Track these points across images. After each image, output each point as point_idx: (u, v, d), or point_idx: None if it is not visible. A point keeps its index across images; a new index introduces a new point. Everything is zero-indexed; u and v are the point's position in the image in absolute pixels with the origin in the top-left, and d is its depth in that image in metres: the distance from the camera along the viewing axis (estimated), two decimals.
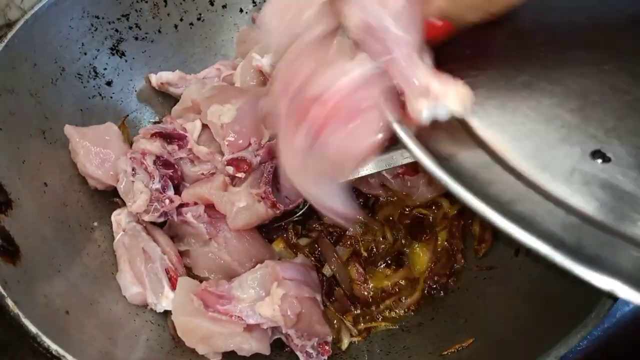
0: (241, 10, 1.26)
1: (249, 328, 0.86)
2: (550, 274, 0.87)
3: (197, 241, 0.99)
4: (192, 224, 0.98)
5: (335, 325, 0.97)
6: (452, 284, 1.01)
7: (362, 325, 0.98)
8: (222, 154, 0.99)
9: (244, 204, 0.95)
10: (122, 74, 1.15)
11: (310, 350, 0.88)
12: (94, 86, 1.11)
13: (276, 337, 0.92)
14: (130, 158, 0.98)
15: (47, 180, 0.96)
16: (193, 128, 1.02)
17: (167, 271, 0.94)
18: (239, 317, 0.85)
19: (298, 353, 0.89)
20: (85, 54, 1.09)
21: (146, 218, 0.97)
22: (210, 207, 0.99)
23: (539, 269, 0.90)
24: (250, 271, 0.92)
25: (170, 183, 1.00)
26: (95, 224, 1.02)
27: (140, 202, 0.95)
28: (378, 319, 0.99)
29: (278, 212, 0.97)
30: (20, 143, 0.93)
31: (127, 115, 1.16)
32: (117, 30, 1.13)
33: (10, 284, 0.75)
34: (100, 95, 1.12)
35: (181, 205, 0.99)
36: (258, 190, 0.96)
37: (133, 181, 0.96)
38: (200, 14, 1.23)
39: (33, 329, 0.71)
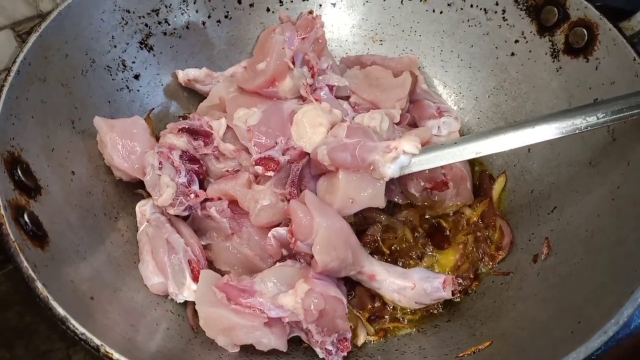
0: (268, 10, 1.27)
1: (269, 323, 0.87)
2: (568, 280, 0.88)
3: (219, 235, 1.01)
4: (216, 219, 0.99)
5: (351, 325, 0.97)
6: (473, 288, 1.02)
7: (378, 325, 0.99)
8: (248, 151, 1.00)
9: (267, 202, 0.96)
10: (149, 68, 1.17)
11: (330, 347, 0.89)
12: (122, 79, 1.13)
13: (294, 334, 0.93)
14: (158, 152, 0.99)
15: (74, 169, 0.98)
16: (219, 126, 1.04)
17: (189, 262, 0.96)
18: (260, 310, 0.86)
19: (317, 349, 0.90)
20: (115, 46, 1.11)
21: (171, 211, 0.99)
22: (233, 203, 1.00)
23: (558, 276, 0.91)
24: (273, 268, 0.94)
25: (195, 178, 1.02)
26: (119, 213, 1.03)
27: (167, 195, 0.96)
28: (396, 315, 0.99)
29: None
30: (50, 131, 0.95)
31: (153, 109, 1.18)
32: (146, 25, 1.15)
33: (39, 267, 0.76)
34: (128, 88, 1.14)
35: (205, 200, 1.00)
36: (283, 190, 0.98)
37: (159, 175, 0.98)
38: (227, 12, 1.24)
39: (61, 311, 0.72)
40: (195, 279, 0.94)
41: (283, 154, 0.99)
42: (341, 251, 0.91)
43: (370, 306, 1.00)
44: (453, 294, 0.97)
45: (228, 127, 1.04)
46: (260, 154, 0.98)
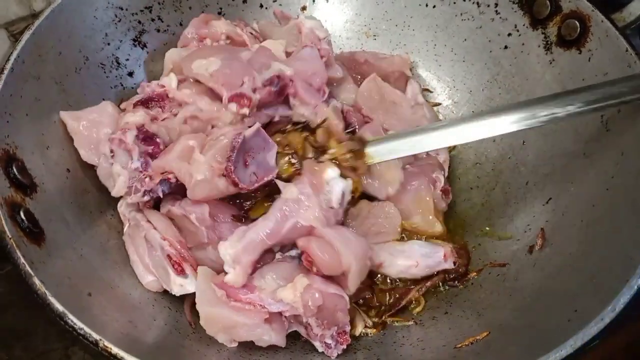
0: (261, 6, 1.28)
1: (269, 319, 0.87)
2: (564, 270, 0.89)
3: (194, 241, 0.96)
4: (195, 225, 0.94)
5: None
6: (471, 276, 1.03)
7: (375, 317, 1.00)
8: (206, 95, 0.98)
9: (201, 177, 0.90)
10: (143, 65, 1.17)
11: (329, 341, 0.89)
12: (115, 76, 1.12)
13: (292, 329, 0.93)
14: (109, 140, 0.94)
15: (69, 167, 0.97)
16: (170, 80, 1.00)
17: (169, 257, 0.93)
18: (261, 305, 0.86)
19: (316, 343, 0.90)
20: (109, 44, 1.10)
21: (130, 200, 0.95)
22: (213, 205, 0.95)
23: (554, 266, 0.92)
24: (272, 264, 0.93)
25: (150, 160, 0.96)
26: (115, 211, 1.02)
27: (120, 184, 0.93)
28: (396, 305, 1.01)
29: (240, 190, 0.92)
30: (44, 129, 0.95)
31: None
32: (139, 22, 1.15)
33: (36, 264, 0.76)
34: (122, 85, 1.14)
35: (162, 181, 0.94)
36: (220, 165, 0.91)
37: (112, 163, 0.94)
38: (221, 8, 1.24)
39: (59, 307, 0.72)
40: (178, 272, 0.93)
41: (254, 91, 0.96)
42: (366, 269, 0.93)
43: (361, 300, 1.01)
44: (455, 263, 1.01)
45: (180, 81, 1.00)
46: (232, 91, 0.95)
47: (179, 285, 0.93)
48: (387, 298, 1.03)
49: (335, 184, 0.92)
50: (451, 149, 1.21)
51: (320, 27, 1.12)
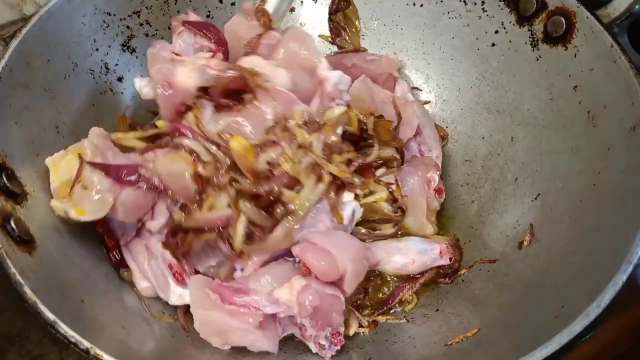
0: None
1: (263, 324, 0.87)
2: (552, 266, 0.89)
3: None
4: None
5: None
6: (462, 273, 1.05)
7: (367, 314, 1.01)
8: None
9: None
10: (132, 70, 1.17)
11: (323, 342, 0.90)
12: (105, 81, 1.13)
13: (286, 333, 0.94)
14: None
15: None
16: None
17: (170, 267, 0.94)
18: (255, 307, 0.87)
19: (310, 344, 0.91)
20: (97, 50, 1.11)
21: (156, 237, 0.98)
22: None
23: (542, 262, 0.92)
24: (267, 266, 0.94)
25: None
26: None
27: (158, 222, 0.96)
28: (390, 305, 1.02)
29: None
30: (34, 137, 0.95)
31: (128, 106, 1.16)
32: (128, 27, 1.15)
33: (27, 272, 0.77)
34: (112, 90, 1.14)
35: None
36: None
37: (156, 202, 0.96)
38: (209, 12, 1.24)
39: (50, 315, 0.73)
40: (179, 282, 0.94)
41: None
42: (364, 270, 0.94)
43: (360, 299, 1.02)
44: (450, 259, 1.03)
45: None
46: None
47: (178, 295, 0.94)
48: (380, 296, 1.04)
49: (348, 205, 0.97)
50: (443, 144, 1.22)
51: (343, 80, 1.03)
